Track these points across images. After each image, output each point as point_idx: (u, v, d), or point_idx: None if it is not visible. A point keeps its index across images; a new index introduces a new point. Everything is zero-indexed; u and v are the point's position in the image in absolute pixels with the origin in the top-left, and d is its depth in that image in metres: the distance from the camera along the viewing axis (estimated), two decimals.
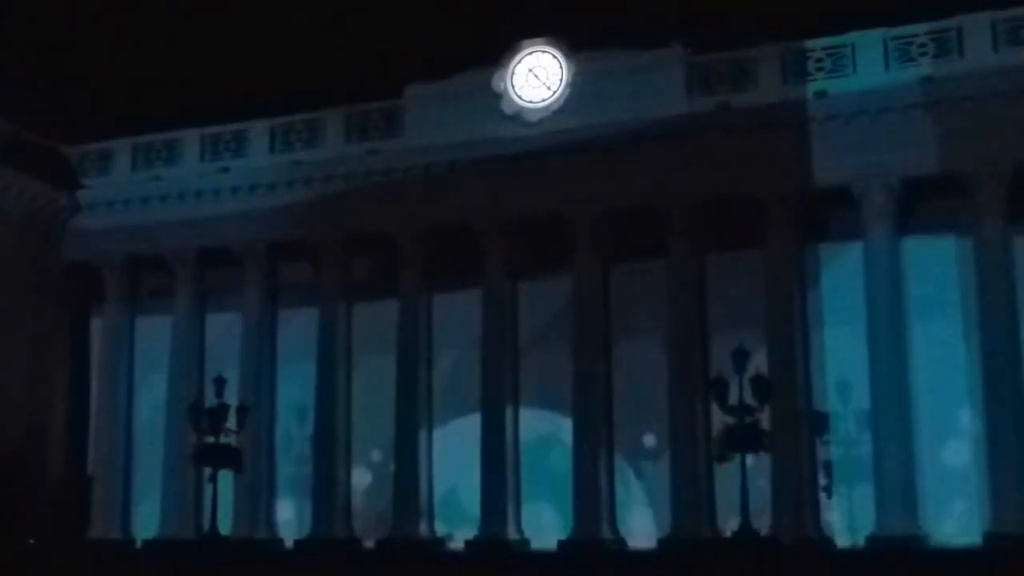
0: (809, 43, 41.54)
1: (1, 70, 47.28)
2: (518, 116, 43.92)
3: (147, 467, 47.69)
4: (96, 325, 49.94)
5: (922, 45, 40.10)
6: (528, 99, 43.82)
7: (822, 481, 40.32)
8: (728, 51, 42.70)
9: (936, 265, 40.39)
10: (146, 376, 48.71)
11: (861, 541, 38.68)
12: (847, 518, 40.02)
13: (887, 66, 40.38)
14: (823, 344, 41.29)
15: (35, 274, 48.14)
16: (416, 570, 40.22)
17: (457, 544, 43.04)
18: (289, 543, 45.03)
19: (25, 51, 51.82)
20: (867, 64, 40.54)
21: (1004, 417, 37.54)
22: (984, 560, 35.51)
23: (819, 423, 40.68)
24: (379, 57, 49.66)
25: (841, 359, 40.85)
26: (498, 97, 44.11)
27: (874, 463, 39.06)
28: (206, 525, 42.22)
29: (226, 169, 47.54)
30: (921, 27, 40.22)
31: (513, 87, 44.01)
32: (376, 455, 46.08)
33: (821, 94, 40.71)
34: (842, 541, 39.43)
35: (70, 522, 46.49)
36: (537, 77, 43.87)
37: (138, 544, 46.41)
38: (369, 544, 43.83)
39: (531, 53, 44.16)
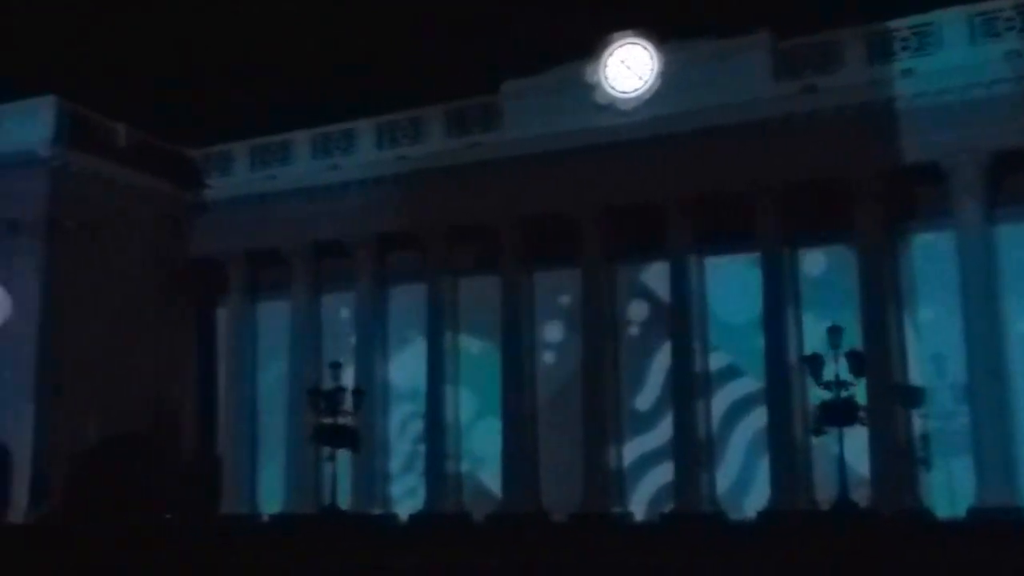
0: (894, 23, 38.45)
1: (130, 80, 46.39)
2: (611, 106, 41.63)
3: (271, 446, 46.48)
4: (221, 315, 48.96)
5: (1008, 19, 36.73)
6: (620, 89, 41.51)
7: (920, 453, 37.25)
8: (813, 35, 39.81)
9: None
10: (268, 361, 47.58)
11: (961, 512, 35.38)
12: (946, 490, 36.73)
13: (973, 42, 37.01)
14: (917, 319, 38.14)
15: (164, 269, 47.32)
16: (523, 542, 37.74)
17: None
18: (404, 517, 43.14)
19: (152, 63, 51.29)
20: (953, 41, 37.30)
21: None
22: None
23: (915, 396, 37.56)
24: (477, 54, 48.46)
25: (936, 333, 37.69)
26: (591, 88, 41.84)
27: (972, 435, 35.98)
28: (326, 500, 41.13)
29: (336, 166, 46.11)
30: (1006, 2, 36.82)
31: (606, 78, 41.77)
32: (483, 432, 43.54)
33: (908, 72, 37.58)
34: (942, 513, 36.18)
35: (202, 498, 45.53)
36: (629, 68, 41.57)
37: (264, 518, 45.14)
38: (480, 518, 41.54)
39: (622, 45, 41.82)
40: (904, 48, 37.99)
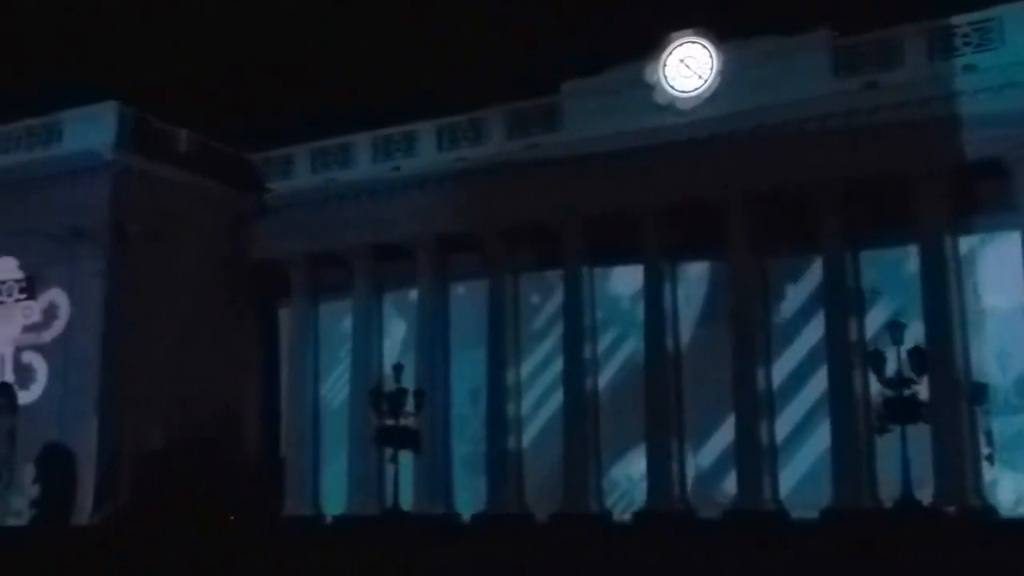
0: (955, 19, 38.43)
1: (192, 87, 46.99)
2: (671, 106, 41.84)
3: (333, 447, 46.87)
4: (283, 316, 49.41)
5: None
6: (680, 89, 41.73)
7: (984, 450, 37.13)
8: (873, 31, 39.83)
9: None
10: (329, 362, 48.08)
11: None
12: (1012, 487, 36.73)
13: None
14: (980, 315, 38.10)
15: (226, 272, 47.85)
16: (588, 542, 38.10)
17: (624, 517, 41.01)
18: (466, 517, 43.49)
19: (212, 68, 51.80)
20: (1015, 36, 37.17)
21: None
22: None
23: (979, 393, 37.45)
24: (535, 55, 48.49)
25: (999, 330, 37.68)
26: (651, 88, 42.10)
27: None
28: (388, 501, 41.44)
29: (397, 168, 46.47)
30: None
31: (665, 78, 42.00)
32: (545, 432, 43.98)
33: (970, 68, 37.57)
34: (1006, 510, 36.19)
35: (266, 500, 45.87)
36: (688, 67, 41.78)
37: (327, 519, 45.48)
38: (542, 517, 41.80)
39: (681, 44, 42.07)
40: (966, 43, 37.92)
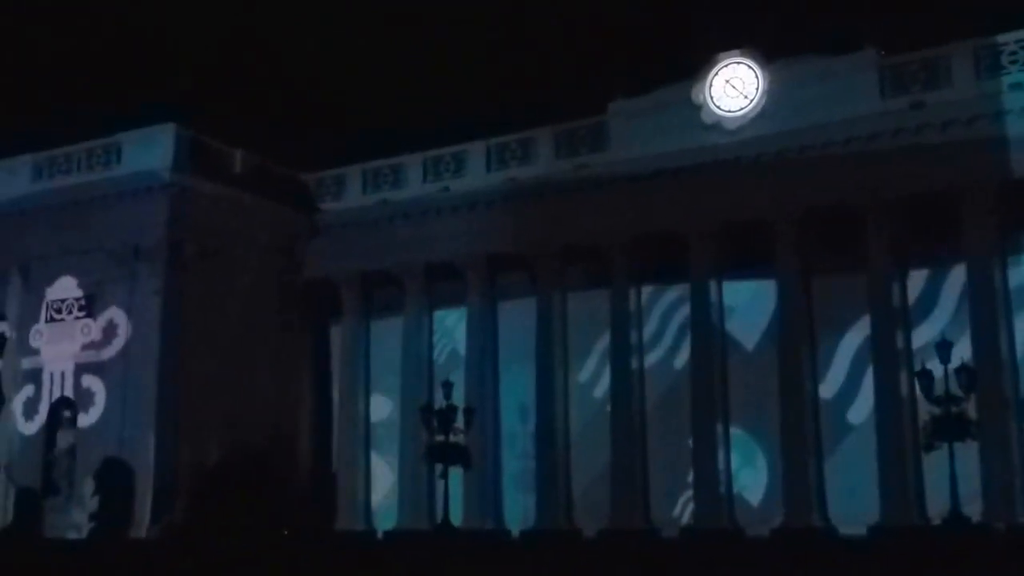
0: (1001, 37, 38.50)
1: (248, 108, 47.48)
2: (717, 125, 42.19)
3: (384, 464, 47.43)
4: (335, 334, 49.73)
5: None
6: (726, 109, 42.07)
7: None
8: (920, 50, 39.98)
9: None
10: (381, 379, 48.34)
11: None
12: None
13: None
14: None
15: (280, 290, 48.41)
16: (633, 558, 38.42)
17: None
18: (515, 533, 43.51)
19: (268, 91, 52.37)
20: None
21: None
22: None
23: None
24: (583, 76, 48.80)
25: None
26: (697, 108, 42.47)
27: None
28: (439, 517, 41.52)
29: (447, 188, 46.97)
30: None
31: (711, 98, 42.33)
32: (596, 448, 43.98)
33: (1017, 86, 37.64)
34: None
35: (318, 515, 46.35)
36: (734, 87, 42.10)
37: (379, 535, 45.43)
38: (590, 533, 41.81)
39: (727, 65, 42.42)
40: (1012, 61, 37.97)
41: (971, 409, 34.61)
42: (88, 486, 43.36)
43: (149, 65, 57.89)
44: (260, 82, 53.71)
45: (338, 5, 57.42)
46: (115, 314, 44.91)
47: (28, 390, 45.86)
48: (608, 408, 43.34)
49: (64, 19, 59.44)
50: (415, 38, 55.60)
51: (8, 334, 45.52)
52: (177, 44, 59.73)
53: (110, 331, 44.92)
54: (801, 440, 39.81)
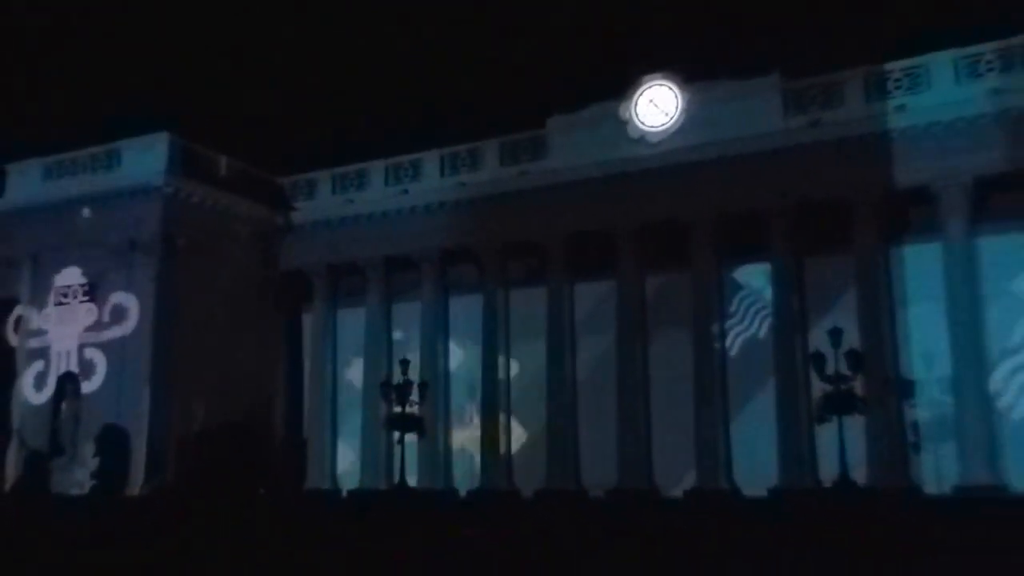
0: (889, 65, 37.79)
1: (232, 118, 46.55)
2: (642, 139, 41.11)
3: (349, 431, 46.15)
4: (306, 320, 48.55)
5: (989, 62, 36.08)
6: (649, 124, 41.01)
7: (911, 438, 36.38)
8: (818, 75, 39.11)
9: (1005, 252, 36.11)
10: (346, 359, 47.21)
11: (947, 490, 34.67)
12: (934, 470, 35.92)
13: (958, 81, 36.34)
14: (908, 320, 37.33)
15: (259, 279, 47.27)
16: (566, 516, 37.32)
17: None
18: (463, 492, 42.68)
19: (248, 101, 51.63)
20: (940, 80, 36.65)
21: None
22: None
23: (906, 388, 36.78)
24: (526, 94, 48.19)
25: (924, 333, 36.87)
26: (624, 123, 41.41)
27: (956, 422, 35.25)
28: (396, 478, 40.52)
29: (405, 191, 45.74)
30: (988, 46, 36.14)
31: (637, 115, 41.28)
32: (533, 418, 42.93)
33: (901, 108, 36.90)
34: (929, 490, 35.39)
35: (291, 475, 45.36)
36: (656, 106, 41.09)
37: (343, 493, 44.71)
38: (528, 493, 41.01)
39: (651, 86, 41.37)
40: (898, 87, 37.28)
41: (858, 387, 33.76)
42: (90, 449, 42.12)
43: (145, 80, 57.50)
44: (244, 97, 52.91)
45: (314, 34, 57.08)
46: (124, 298, 43.55)
47: (38, 365, 44.67)
48: (544, 384, 42.07)
49: (69, 37, 58.59)
50: (380, 60, 55.06)
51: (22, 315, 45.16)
52: (174, 60, 59.07)
53: (119, 313, 43.54)
54: (711, 413, 38.87)
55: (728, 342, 40.26)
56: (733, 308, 40.56)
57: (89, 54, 57.67)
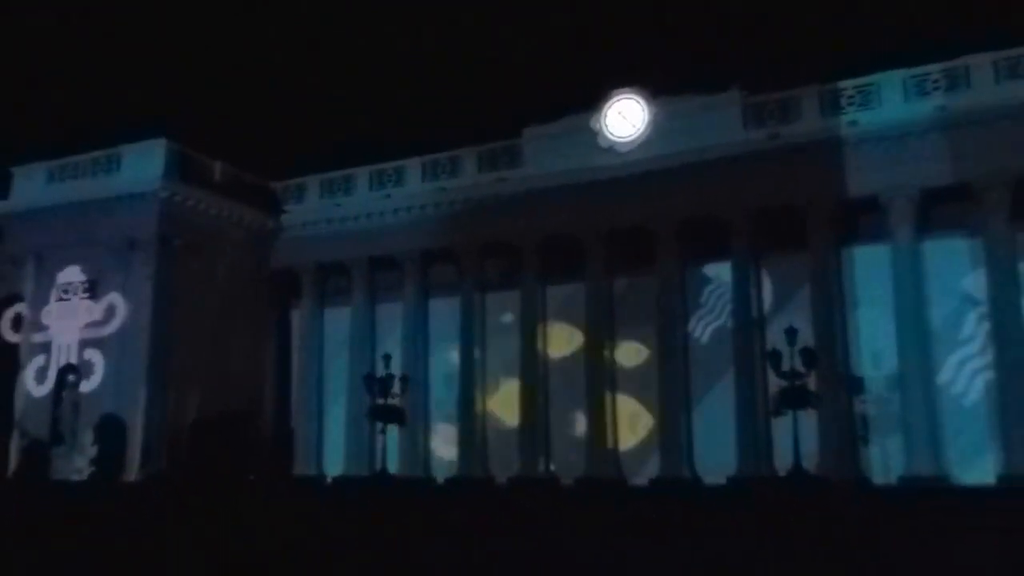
0: (842, 83, 37.90)
1: (226, 125, 46.19)
2: (611, 149, 41.01)
3: (334, 421, 45.64)
4: (295, 317, 48.02)
5: (935, 81, 36.29)
6: (619, 135, 40.93)
7: (860, 432, 36.37)
8: (776, 91, 39.11)
9: (948, 257, 36.37)
10: (332, 353, 46.63)
11: (893, 480, 34.76)
12: (881, 462, 35.98)
13: (907, 99, 36.51)
14: (858, 321, 37.36)
15: (251, 278, 46.62)
16: (538, 502, 37.18)
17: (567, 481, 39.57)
18: (440, 480, 42.31)
19: (242, 109, 51.33)
20: (890, 98, 36.84)
21: (1014, 380, 33.48)
22: (997, 497, 31.17)
23: (856, 385, 36.77)
24: (503, 105, 48.26)
25: (873, 333, 36.92)
26: (595, 134, 41.28)
27: (902, 417, 35.33)
28: (378, 466, 40.32)
29: (389, 196, 45.35)
30: (935, 67, 36.36)
31: (606, 126, 41.21)
32: (509, 411, 42.60)
33: (853, 123, 36.94)
34: (877, 480, 35.42)
35: (279, 462, 44.85)
36: (625, 118, 41.05)
37: (328, 479, 44.30)
38: (502, 480, 40.77)
39: (620, 99, 41.33)
40: (851, 103, 37.40)
41: (811, 383, 33.76)
42: (88, 437, 41.64)
43: (145, 88, 57.14)
44: (238, 105, 52.59)
45: (305, 48, 57.01)
46: (114, 298, 43.07)
47: (39, 359, 44.00)
48: (517, 379, 41.80)
49: (74, 47, 58.14)
50: (368, 72, 55.04)
51: (23, 312, 44.53)
52: (170, 70, 59.03)
53: (110, 312, 43.07)
54: (675, 407, 38.75)
55: (699, 332, 40.12)
56: (703, 299, 40.44)
57: (91, 63, 57.43)
